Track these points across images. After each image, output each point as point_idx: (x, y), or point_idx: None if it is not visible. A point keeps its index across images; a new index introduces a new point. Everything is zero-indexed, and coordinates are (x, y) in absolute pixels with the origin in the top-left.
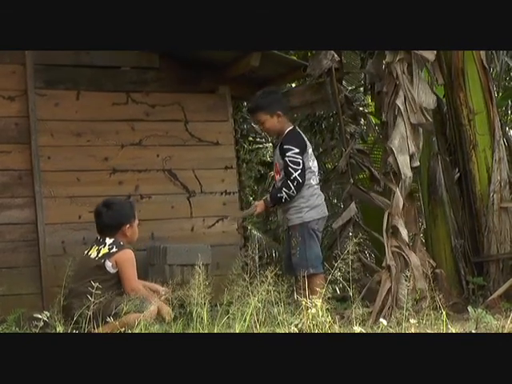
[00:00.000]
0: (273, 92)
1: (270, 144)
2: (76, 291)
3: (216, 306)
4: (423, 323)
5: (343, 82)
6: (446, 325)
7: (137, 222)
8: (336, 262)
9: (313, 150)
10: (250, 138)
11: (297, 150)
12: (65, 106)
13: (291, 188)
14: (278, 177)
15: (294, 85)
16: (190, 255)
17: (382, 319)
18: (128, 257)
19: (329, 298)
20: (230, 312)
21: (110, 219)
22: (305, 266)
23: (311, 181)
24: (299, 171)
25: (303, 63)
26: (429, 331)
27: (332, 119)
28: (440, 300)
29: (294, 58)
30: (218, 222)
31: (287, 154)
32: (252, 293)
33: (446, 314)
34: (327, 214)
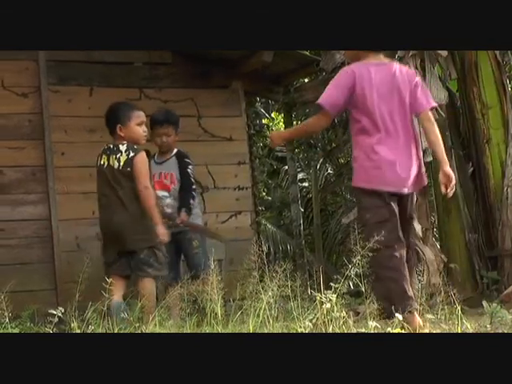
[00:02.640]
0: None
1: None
2: (113, 203)
3: (230, 301)
4: (437, 318)
5: None
6: (461, 319)
7: (134, 122)
8: (349, 257)
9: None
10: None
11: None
12: (78, 102)
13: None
14: (172, 186)
15: (306, 80)
16: None
17: (397, 314)
18: (141, 158)
19: (344, 293)
20: (244, 307)
21: (106, 119)
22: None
23: None
24: None
25: (315, 58)
26: (443, 326)
27: (345, 114)
28: (454, 295)
29: (307, 53)
30: (231, 217)
31: (190, 167)
32: (263, 288)
33: (461, 308)
34: None
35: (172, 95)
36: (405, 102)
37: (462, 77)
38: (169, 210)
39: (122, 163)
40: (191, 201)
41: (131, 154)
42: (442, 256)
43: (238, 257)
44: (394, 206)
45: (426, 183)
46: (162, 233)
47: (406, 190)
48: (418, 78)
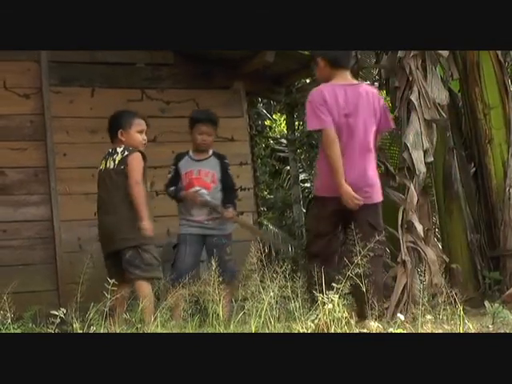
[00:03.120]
0: None
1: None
2: (106, 204)
3: (231, 301)
4: (439, 318)
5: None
6: (463, 320)
7: (134, 129)
8: (351, 257)
9: None
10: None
11: None
12: (79, 103)
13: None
14: (213, 185)
15: (308, 80)
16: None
17: (399, 314)
18: (136, 156)
19: (345, 293)
20: (246, 308)
21: (109, 124)
22: (236, 273)
23: None
24: None
25: None
26: (445, 326)
27: None
28: (456, 295)
29: (308, 53)
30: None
31: (229, 168)
32: (264, 289)
33: (463, 309)
34: None
35: (174, 96)
36: (368, 121)
37: (463, 77)
38: (216, 202)
39: (116, 162)
40: (235, 200)
41: (126, 153)
42: (444, 256)
43: (240, 257)
44: (341, 219)
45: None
46: (147, 227)
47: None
48: (383, 101)
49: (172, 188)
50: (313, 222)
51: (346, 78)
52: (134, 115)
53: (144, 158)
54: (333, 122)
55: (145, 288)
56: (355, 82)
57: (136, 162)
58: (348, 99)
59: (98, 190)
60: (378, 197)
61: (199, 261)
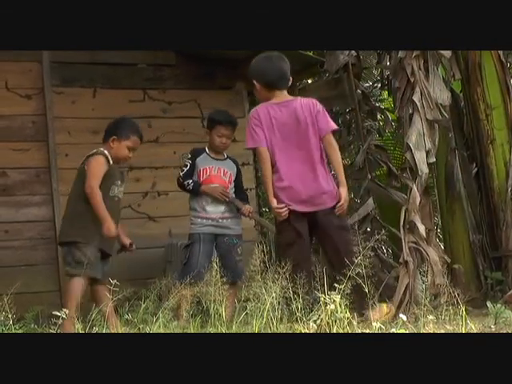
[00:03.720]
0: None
1: None
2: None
3: (234, 302)
4: (441, 319)
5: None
6: (465, 320)
7: (128, 143)
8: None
9: None
10: None
11: None
12: (81, 104)
13: None
14: (229, 185)
15: (310, 81)
16: None
17: (401, 314)
18: (97, 160)
19: (347, 293)
20: (248, 308)
21: (108, 126)
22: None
23: None
24: None
25: (319, 59)
26: (447, 327)
27: (349, 115)
28: (458, 295)
29: (310, 54)
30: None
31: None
32: (266, 290)
33: (465, 309)
34: None
35: (176, 96)
36: (307, 131)
37: (465, 77)
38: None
39: (83, 159)
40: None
41: (91, 153)
42: (445, 257)
43: (245, 258)
44: (303, 226)
45: (342, 197)
46: (108, 228)
47: (315, 208)
48: (318, 106)
49: (189, 180)
50: (280, 235)
51: (282, 97)
52: (135, 132)
53: (108, 161)
54: (271, 140)
55: (72, 284)
56: (290, 98)
57: (94, 164)
58: (283, 116)
59: None
60: (331, 201)
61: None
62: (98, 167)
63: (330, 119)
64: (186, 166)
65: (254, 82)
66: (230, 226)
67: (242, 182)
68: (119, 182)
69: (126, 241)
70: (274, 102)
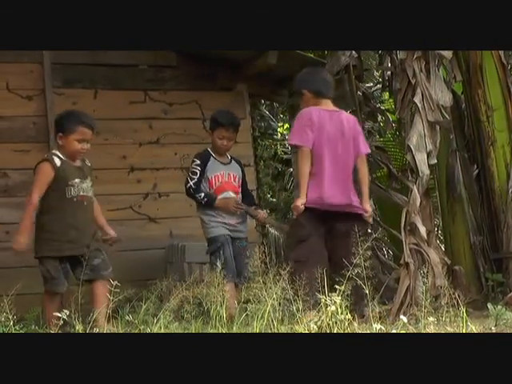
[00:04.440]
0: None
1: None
2: None
3: (234, 304)
4: (442, 320)
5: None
6: (466, 322)
7: (75, 136)
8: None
9: None
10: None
11: None
12: (82, 105)
13: None
14: (239, 189)
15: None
16: None
17: (402, 316)
18: (39, 168)
19: (347, 295)
20: (248, 310)
21: (54, 123)
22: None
23: None
24: None
25: (320, 61)
26: (448, 328)
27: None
28: (459, 297)
29: (312, 55)
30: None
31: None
32: (266, 291)
33: (466, 311)
34: None
35: (177, 97)
36: (349, 144)
37: (466, 79)
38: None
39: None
40: (256, 202)
41: (39, 160)
42: (446, 258)
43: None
44: (319, 226)
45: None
46: (19, 242)
47: (341, 209)
48: (359, 126)
49: (202, 194)
50: (295, 230)
51: (329, 105)
52: (80, 122)
53: (53, 165)
54: (319, 141)
55: (44, 298)
56: (336, 109)
57: (37, 174)
58: (332, 123)
59: None
60: (355, 211)
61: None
62: (37, 177)
63: (365, 142)
64: (196, 173)
65: (304, 91)
66: (242, 229)
67: (247, 182)
68: (77, 180)
69: (111, 232)
70: (323, 107)
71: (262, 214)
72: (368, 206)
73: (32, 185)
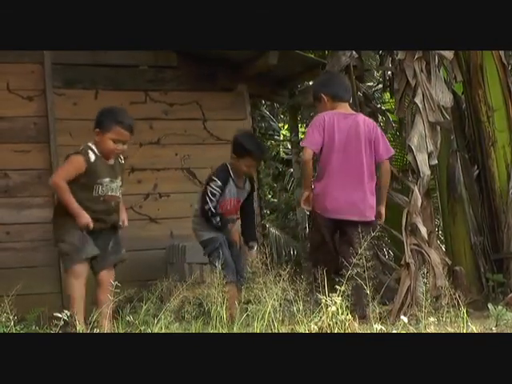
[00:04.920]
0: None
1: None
2: None
3: (235, 304)
4: (443, 321)
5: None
6: (466, 322)
7: (111, 135)
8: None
9: None
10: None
11: None
12: (83, 106)
13: None
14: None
15: (311, 82)
16: None
17: (402, 316)
18: (71, 158)
19: (348, 295)
20: (249, 310)
21: (96, 117)
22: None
23: None
24: None
25: (321, 61)
26: (449, 329)
27: None
28: (459, 297)
29: (312, 55)
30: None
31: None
32: (267, 292)
33: (466, 311)
34: None
35: (177, 98)
36: (363, 147)
37: (467, 79)
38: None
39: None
40: (257, 234)
41: (73, 152)
42: (447, 259)
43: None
44: (331, 231)
45: (376, 214)
46: (84, 221)
47: (347, 218)
48: (379, 129)
49: (218, 219)
50: (313, 234)
51: (346, 109)
52: (118, 122)
53: (88, 160)
54: (329, 145)
55: (67, 281)
56: (354, 112)
57: (69, 161)
58: (347, 126)
59: None
60: (369, 214)
61: None
62: (67, 166)
63: (388, 145)
64: (215, 195)
65: (321, 94)
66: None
67: (254, 206)
68: (107, 180)
69: (123, 217)
70: (339, 111)
71: (252, 254)
72: (383, 210)
73: (56, 171)
